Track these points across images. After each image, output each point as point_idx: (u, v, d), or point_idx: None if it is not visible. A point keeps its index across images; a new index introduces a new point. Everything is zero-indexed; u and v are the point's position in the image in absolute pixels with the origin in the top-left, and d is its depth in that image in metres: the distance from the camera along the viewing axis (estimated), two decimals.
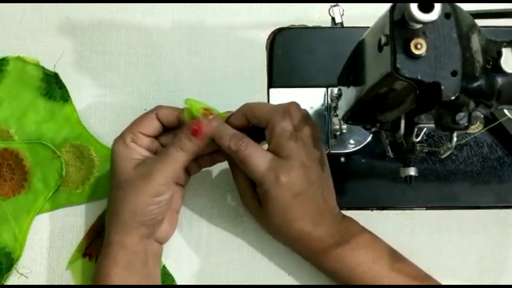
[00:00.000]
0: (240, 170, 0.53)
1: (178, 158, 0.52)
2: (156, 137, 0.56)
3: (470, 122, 0.36)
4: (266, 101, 0.61)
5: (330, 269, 0.53)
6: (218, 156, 0.56)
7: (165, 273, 0.60)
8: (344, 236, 0.52)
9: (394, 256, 0.53)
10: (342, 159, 0.59)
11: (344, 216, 0.55)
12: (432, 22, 0.34)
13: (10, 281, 0.60)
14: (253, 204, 0.54)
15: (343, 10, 0.58)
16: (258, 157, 0.51)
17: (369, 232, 0.54)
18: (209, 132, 0.52)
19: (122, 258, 0.52)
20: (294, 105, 0.52)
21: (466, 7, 0.37)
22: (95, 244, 0.60)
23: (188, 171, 0.57)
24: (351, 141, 0.58)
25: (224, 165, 0.61)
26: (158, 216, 0.53)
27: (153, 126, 0.54)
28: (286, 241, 0.56)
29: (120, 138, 0.54)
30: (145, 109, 0.63)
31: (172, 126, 0.55)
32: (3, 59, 0.63)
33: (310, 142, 0.51)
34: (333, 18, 0.58)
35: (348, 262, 0.52)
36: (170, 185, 0.53)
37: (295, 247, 0.55)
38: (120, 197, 0.52)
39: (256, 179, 0.51)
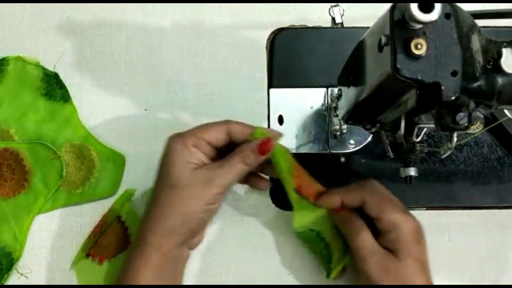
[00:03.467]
0: (363, 228, 0.52)
1: (239, 169, 0.51)
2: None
3: (470, 122, 0.36)
4: (265, 100, 0.61)
5: None
6: (261, 181, 0.56)
7: None
8: None
9: None
10: (342, 159, 0.59)
11: None
12: (432, 22, 0.34)
13: (10, 281, 0.60)
14: (383, 260, 0.52)
15: (343, 10, 0.58)
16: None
17: None
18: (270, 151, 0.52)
19: (156, 262, 0.51)
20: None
21: (466, 7, 0.37)
22: (99, 244, 0.60)
23: None
24: (351, 141, 0.58)
25: None
26: (204, 224, 0.53)
27: (220, 138, 0.52)
28: None
29: (180, 139, 0.51)
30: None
31: (239, 142, 0.53)
32: (3, 59, 0.63)
33: None
34: (333, 18, 0.58)
35: None
36: (223, 195, 0.52)
37: None
38: (170, 200, 0.50)
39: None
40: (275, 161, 0.52)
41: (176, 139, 0.51)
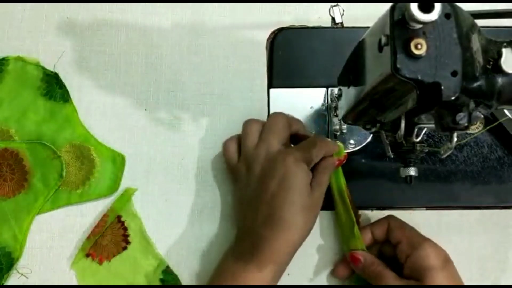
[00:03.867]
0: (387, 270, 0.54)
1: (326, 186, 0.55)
2: None
3: (470, 122, 0.36)
4: (266, 100, 0.61)
5: None
6: None
7: (168, 273, 0.60)
8: None
9: None
10: None
11: None
12: (432, 22, 0.34)
13: (10, 281, 0.60)
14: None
15: (343, 10, 0.58)
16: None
17: None
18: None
19: (276, 281, 0.52)
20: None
21: (466, 7, 0.37)
22: (99, 244, 0.60)
23: None
24: (351, 141, 0.58)
25: (223, 164, 0.61)
26: None
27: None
28: None
29: (303, 161, 0.53)
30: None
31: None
32: (3, 59, 0.63)
33: None
34: (333, 18, 0.58)
35: None
36: None
37: None
38: (305, 224, 0.52)
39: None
40: (336, 177, 0.57)
41: (300, 162, 0.52)
